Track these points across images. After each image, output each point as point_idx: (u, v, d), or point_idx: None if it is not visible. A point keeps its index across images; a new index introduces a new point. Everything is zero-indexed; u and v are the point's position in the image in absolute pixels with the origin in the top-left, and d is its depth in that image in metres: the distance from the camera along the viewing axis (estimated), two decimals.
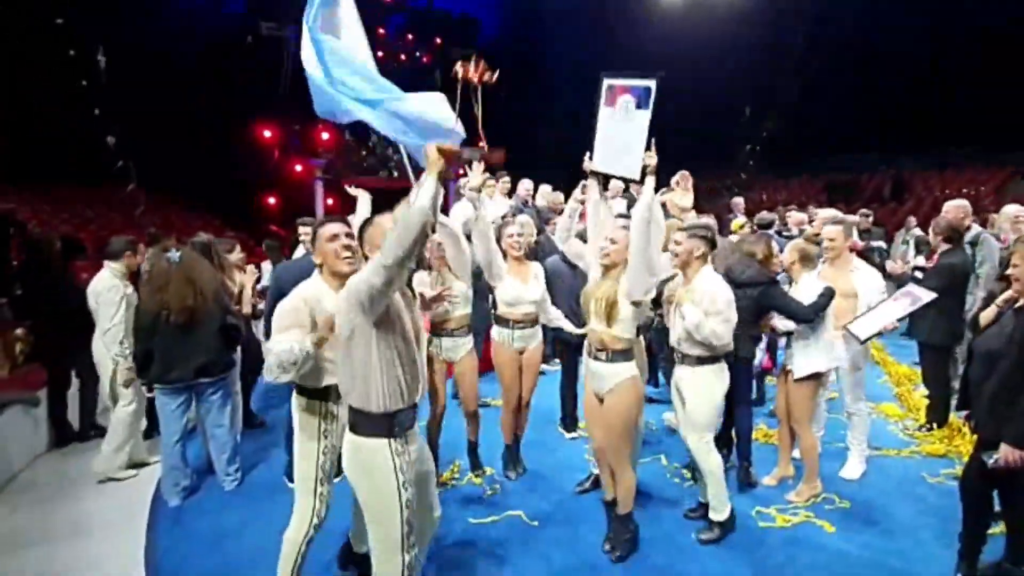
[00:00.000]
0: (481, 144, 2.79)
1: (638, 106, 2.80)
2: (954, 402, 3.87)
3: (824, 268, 3.79)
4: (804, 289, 3.44)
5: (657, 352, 4.66)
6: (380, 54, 3.91)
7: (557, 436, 4.47)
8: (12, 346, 4.66)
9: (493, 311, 3.87)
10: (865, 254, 7.14)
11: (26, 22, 11.26)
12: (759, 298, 3.46)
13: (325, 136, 15.35)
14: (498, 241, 3.65)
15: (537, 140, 17.33)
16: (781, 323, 3.57)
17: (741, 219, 6.97)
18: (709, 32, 14.72)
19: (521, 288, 3.65)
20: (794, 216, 6.66)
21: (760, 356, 3.75)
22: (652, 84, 2.73)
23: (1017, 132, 12.90)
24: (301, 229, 4.59)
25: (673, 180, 4.44)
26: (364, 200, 3.60)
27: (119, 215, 11.67)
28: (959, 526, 2.77)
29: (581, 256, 3.40)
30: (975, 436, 2.73)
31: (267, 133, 15.36)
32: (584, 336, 3.05)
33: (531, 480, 3.84)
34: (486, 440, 4.07)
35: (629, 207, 4.61)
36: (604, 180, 3.31)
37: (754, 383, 4.78)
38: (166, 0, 15.15)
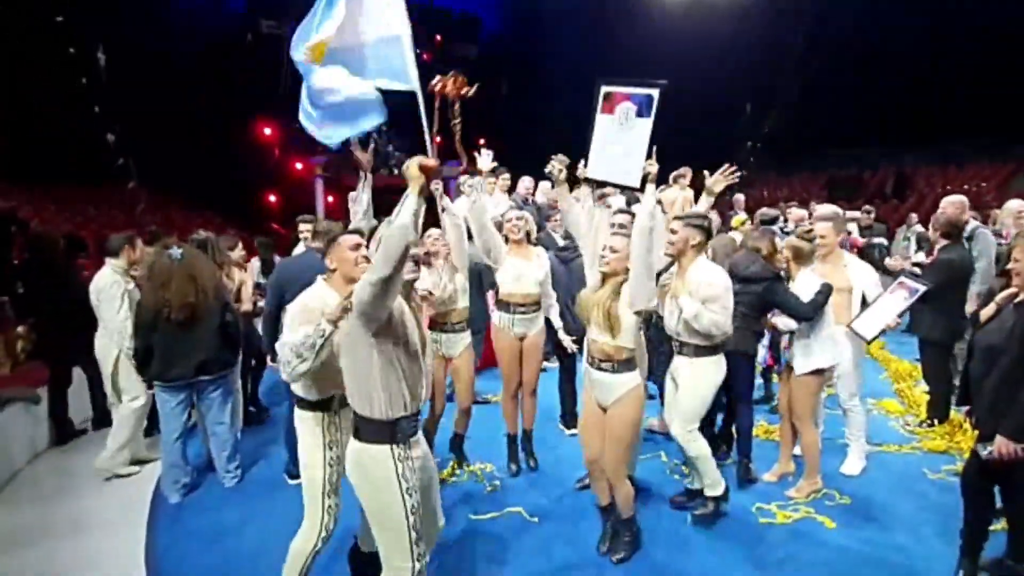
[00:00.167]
0: (462, 161, 2.82)
1: (639, 114, 2.77)
2: (954, 398, 3.87)
3: (817, 264, 3.79)
4: (801, 286, 3.43)
5: (657, 347, 4.65)
6: None
7: (557, 433, 4.47)
8: (13, 344, 4.67)
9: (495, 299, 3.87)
10: (866, 251, 7.15)
11: (26, 21, 11.26)
12: (763, 293, 3.45)
13: None
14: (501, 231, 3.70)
15: (537, 139, 17.28)
16: (782, 322, 3.57)
17: (742, 215, 6.95)
18: (709, 30, 14.70)
19: (523, 265, 3.65)
20: (795, 213, 6.63)
21: (763, 353, 3.74)
22: (655, 93, 2.70)
23: (1020, 127, 12.86)
24: (301, 227, 4.61)
25: (672, 176, 4.44)
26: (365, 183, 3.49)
27: (120, 213, 11.69)
28: (960, 522, 2.75)
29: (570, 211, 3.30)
30: (976, 432, 2.72)
31: (267, 131, 15.39)
32: (578, 340, 3.03)
33: (531, 476, 3.84)
34: (486, 437, 4.07)
35: (629, 204, 4.59)
36: (597, 186, 3.27)
37: (760, 381, 4.79)
38: None
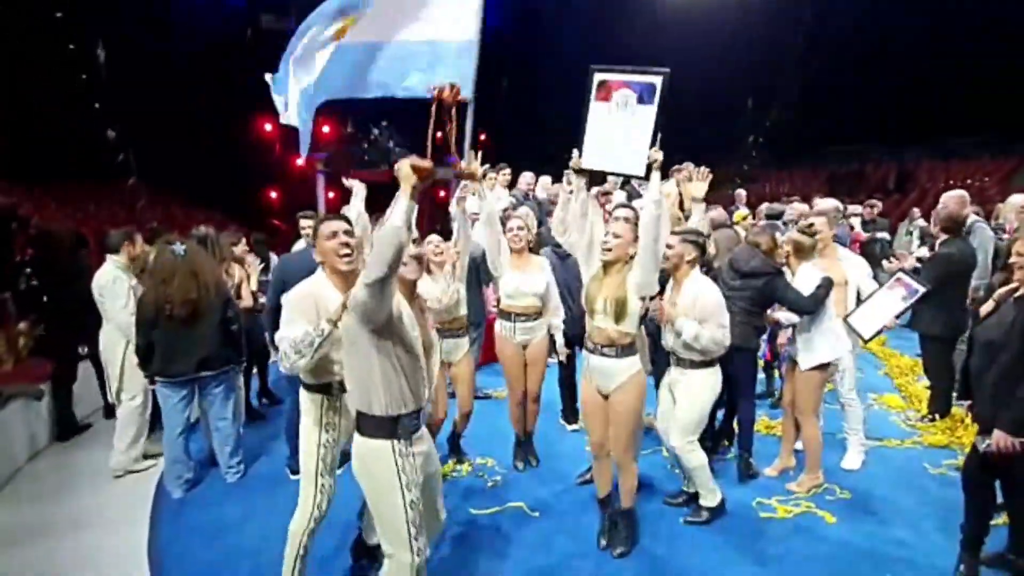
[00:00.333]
0: (459, 163, 2.81)
1: (640, 101, 2.71)
2: (955, 393, 3.87)
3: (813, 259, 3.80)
4: (802, 280, 3.43)
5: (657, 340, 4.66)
6: None
7: (558, 428, 4.47)
8: (15, 340, 4.68)
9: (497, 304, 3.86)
10: (868, 246, 7.13)
11: (24, 17, 11.23)
12: (763, 288, 3.45)
13: (326, 129, 15.33)
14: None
15: (537, 136, 17.25)
16: (785, 317, 3.57)
17: (743, 211, 6.95)
18: (710, 27, 14.64)
19: (520, 279, 3.63)
20: (796, 207, 6.62)
21: (762, 348, 3.74)
22: (657, 81, 2.66)
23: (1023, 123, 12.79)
24: (302, 223, 4.61)
25: (672, 170, 4.41)
26: (359, 192, 3.56)
27: (121, 210, 11.69)
28: (961, 517, 2.76)
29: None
30: (977, 427, 2.72)
31: (268, 127, 15.34)
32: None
33: (532, 471, 3.85)
34: (489, 433, 4.08)
35: (629, 199, 4.58)
36: (591, 176, 3.16)
37: (762, 376, 4.78)
38: None
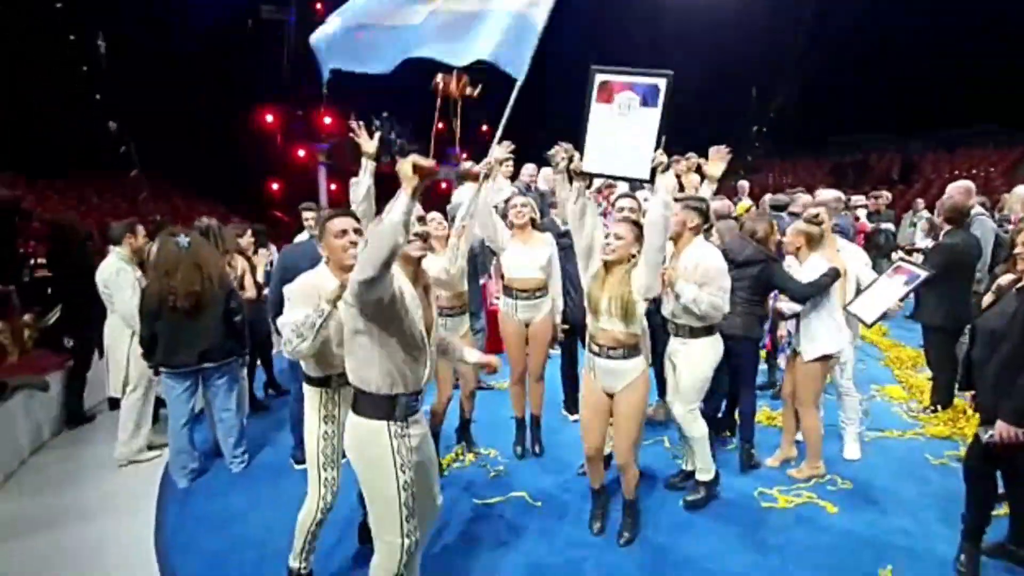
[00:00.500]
0: (464, 159, 2.76)
1: (643, 104, 2.63)
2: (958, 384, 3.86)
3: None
4: (811, 270, 3.43)
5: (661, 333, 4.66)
6: None
7: (560, 418, 4.49)
8: (20, 332, 4.70)
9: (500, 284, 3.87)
10: (873, 237, 7.11)
11: (25, 7, 11.19)
12: (760, 275, 3.46)
13: (328, 120, 15.28)
14: (504, 219, 3.70)
15: (539, 130, 17.17)
16: (787, 306, 3.57)
17: (746, 202, 6.93)
18: (712, 22, 14.52)
19: (523, 251, 3.65)
20: (801, 199, 6.59)
21: (764, 338, 3.74)
22: (661, 83, 2.59)
23: None
24: (305, 214, 4.62)
25: (678, 159, 4.38)
26: (367, 167, 3.39)
27: (123, 202, 11.70)
28: (962, 507, 2.76)
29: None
30: (979, 417, 2.72)
31: (269, 118, 15.33)
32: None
33: (535, 461, 3.87)
34: (489, 422, 4.09)
35: (633, 188, 4.56)
36: (590, 178, 3.05)
37: (764, 367, 4.79)
38: None
